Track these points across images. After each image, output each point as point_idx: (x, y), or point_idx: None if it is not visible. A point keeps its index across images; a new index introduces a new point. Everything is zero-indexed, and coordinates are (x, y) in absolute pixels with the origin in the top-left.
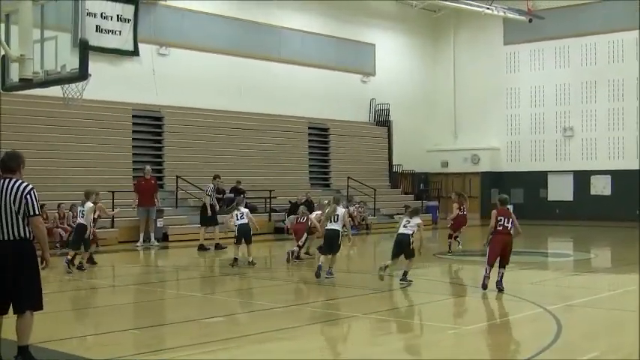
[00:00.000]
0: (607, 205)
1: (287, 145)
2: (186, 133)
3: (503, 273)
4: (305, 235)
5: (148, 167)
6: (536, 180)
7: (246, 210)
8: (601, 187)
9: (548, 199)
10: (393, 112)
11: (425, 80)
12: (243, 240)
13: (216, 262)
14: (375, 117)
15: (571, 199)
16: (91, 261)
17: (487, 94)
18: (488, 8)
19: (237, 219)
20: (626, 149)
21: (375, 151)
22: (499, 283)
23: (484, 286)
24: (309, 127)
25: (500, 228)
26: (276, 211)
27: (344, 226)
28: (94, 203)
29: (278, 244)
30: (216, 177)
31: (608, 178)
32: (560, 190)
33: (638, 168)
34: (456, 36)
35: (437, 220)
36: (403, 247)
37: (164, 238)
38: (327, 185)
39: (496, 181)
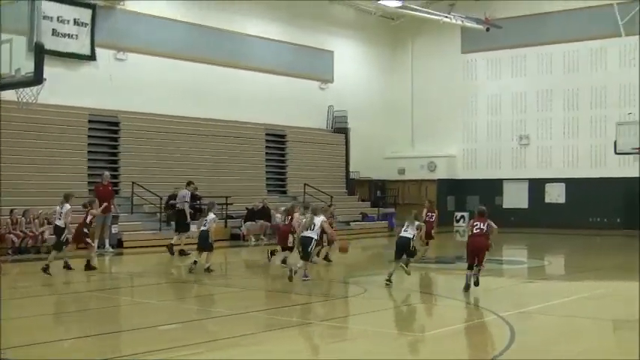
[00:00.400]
0: (561, 213)
1: (244, 152)
2: (143, 139)
3: (475, 274)
4: (291, 237)
5: (107, 173)
6: (492, 187)
7: (214, 216)
8: (555, 195)
9: (504, 206)
10: (351, 119)
11: (383, 87)
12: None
13: (175, 269)
14: (332, 124)
15: (526, 206)
16: (90, 267)
17: (444, 102)
18: (446, 17)
19: (202, 225)
20: (580, 158)
21: (332, 158)
22: (472, 280)
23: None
24: (267, 134)
25: (477, 231)
26: (232, 217)
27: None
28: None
29: (233, 251)
30: (190, 183)
31: (563, 186)
32: (516, 198)
33: (592, 176)
34: (414, 44)
35: (394, 227)
36: (405, 249)
37: (119, 244)
38: (284, 192)
39: (452, 188)
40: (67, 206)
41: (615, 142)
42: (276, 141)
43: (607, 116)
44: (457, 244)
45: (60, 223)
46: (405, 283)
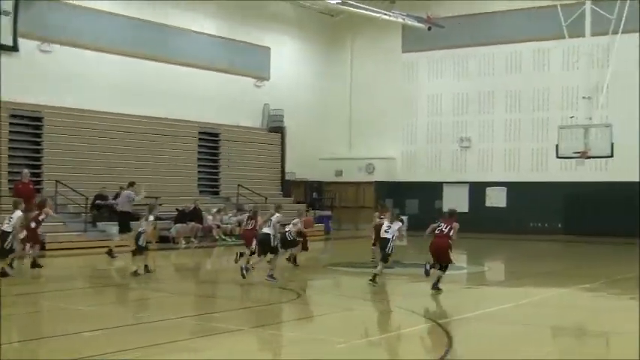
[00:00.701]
0: (502, 218)
1: (176, 151)
2: (68, 136)
3: (441, 275)
4: (254, 241)
5: (26, 171)
6: (432, 191)
7: (152, 218)
8: (496, 199)
9: (444, 210)
10: (287, 118)
11: (321, 86)
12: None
13: (104, 272)
14: (268, 123)
15: (466, 210)
16: (36, 265)
17: (384, 102)
18: (386, 14)
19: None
20: (521, 161)
21: (268, 158)
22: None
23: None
24: (200, 132)
25: (437, 232)
26: (161, 219)
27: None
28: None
29: (163, 254)
30: (132, 184)
31: (504, 190)
32: (456, 202)
33: (533, 180)
34: (354, 42)
35: (330, 231)
36: (380, 250)
37: (41, 245)
38: (216, 193)
39: (391, 191)
40: (18, 213)
41: (557, 146)
42: (210, 140)
43: (549, 119)
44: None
45: (6, 228)
46: (343, 289)
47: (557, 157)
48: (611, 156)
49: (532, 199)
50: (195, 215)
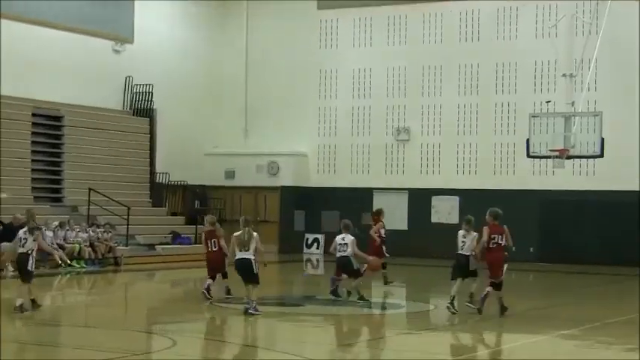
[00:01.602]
0: (453, 238)
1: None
2: None
3: (501, 297)
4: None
5: None
6: (358, 200)
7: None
8: (446, 212)
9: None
10: (159, 98)
11: (206, 55)
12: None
13: None
14: (131, 103)
15: (405, 227)
16: None
17: (292, 78)
18: None
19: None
20: (480, 161)
21: (131, 153)
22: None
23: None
24: (34, 115)
25: (494, 246)
26: None
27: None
28: None
29: None
30: None
31: (456, 200)
32: (391, 216)
33: (496, 188)
34: None
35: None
36: (346, 268)
37: None
38: (59, 199)
39: (302, 200)
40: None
41: (528, 141)
42: (49, 125)
43: (517, 104)
44: (307, 278)
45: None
46: (232, 332)
47: (528, 156)
48: (601, 155)
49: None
50: (30, 232)
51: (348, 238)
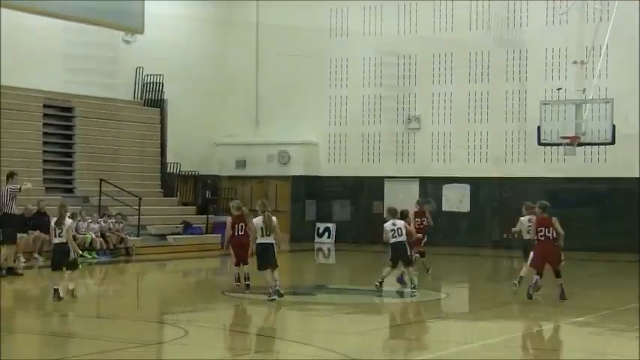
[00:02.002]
0: (464, 226)
1: (11, 131)
2: None
3: (562, 284)
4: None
5: None
6: (369, 189)
7: (71, 222)
8: (457, 200)
9: (386, 215)
10: (169, 88)
11: (217, 44)
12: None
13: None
14: (142, 94)
15: None
16: None
17: (303, 66)
18: None
19: (56, 235)
20: (490, 149)
21: (142, 143)
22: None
23: (529, 296)
24: (45, 106)
25: (542, 238)
26: None
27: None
28: None
29: None
30: (12, 175)
31: (467, 188)
32: (402, 204)
33: (506, 176)
34: None
35: None
36: (404, 255)
37: None
38: (70, 190)
39: (313, 189)
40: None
41: (539, 129)
42: (60, 116)
43: (527, 92)
44: (319, 267)
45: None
46: (248, 322)
47: (539, 143)
48: (613, 142)
49: (506, 202)
50: (39, 222)
51: (400, 223)
